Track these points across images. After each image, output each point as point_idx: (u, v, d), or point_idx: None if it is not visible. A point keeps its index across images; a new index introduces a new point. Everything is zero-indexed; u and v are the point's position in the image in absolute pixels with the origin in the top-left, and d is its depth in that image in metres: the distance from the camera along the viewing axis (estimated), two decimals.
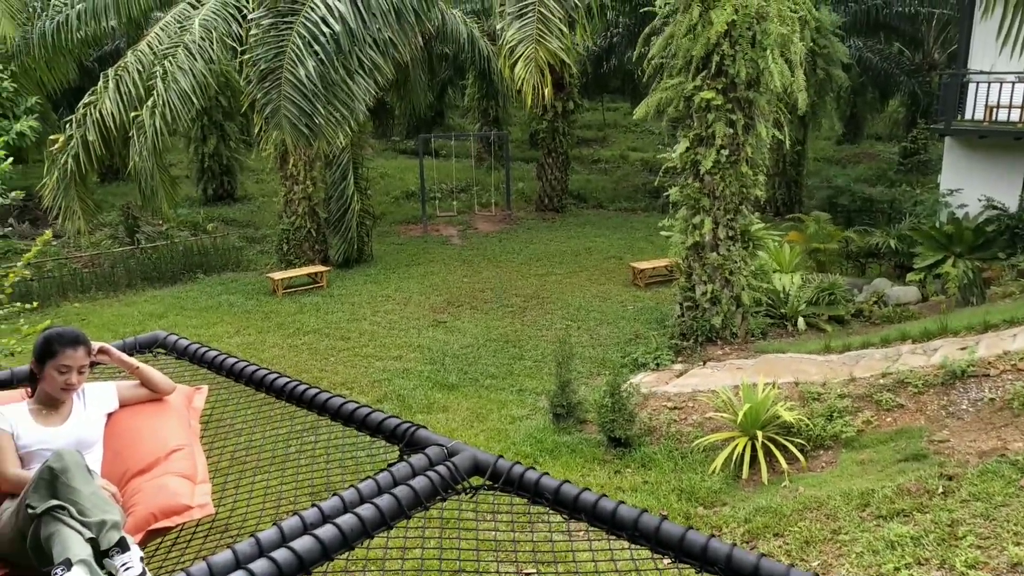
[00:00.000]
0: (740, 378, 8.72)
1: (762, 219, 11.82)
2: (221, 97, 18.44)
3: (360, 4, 9.89)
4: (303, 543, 2.18)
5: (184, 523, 2.61)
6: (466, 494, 2.65)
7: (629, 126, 30.33)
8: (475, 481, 2.71)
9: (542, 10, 10.22)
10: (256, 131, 14.40)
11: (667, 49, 10.40)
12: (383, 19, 10.09)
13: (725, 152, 9.95)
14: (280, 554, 2.12)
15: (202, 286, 14.74)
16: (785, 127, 10.83)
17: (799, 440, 7.78)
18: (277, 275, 14.24)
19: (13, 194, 6.03)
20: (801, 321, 11.14)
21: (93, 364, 2.90)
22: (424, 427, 2.90)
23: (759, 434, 7.73)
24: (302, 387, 3.22)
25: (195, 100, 12.52)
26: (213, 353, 3.57)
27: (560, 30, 10.23)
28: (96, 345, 2.92)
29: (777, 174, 18.33)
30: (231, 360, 3.48)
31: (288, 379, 3.29)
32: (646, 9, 11.19)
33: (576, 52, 14.77)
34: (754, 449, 7.65)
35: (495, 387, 9.80)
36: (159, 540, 2.69)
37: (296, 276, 14.43)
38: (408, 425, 2.91)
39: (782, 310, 11.42)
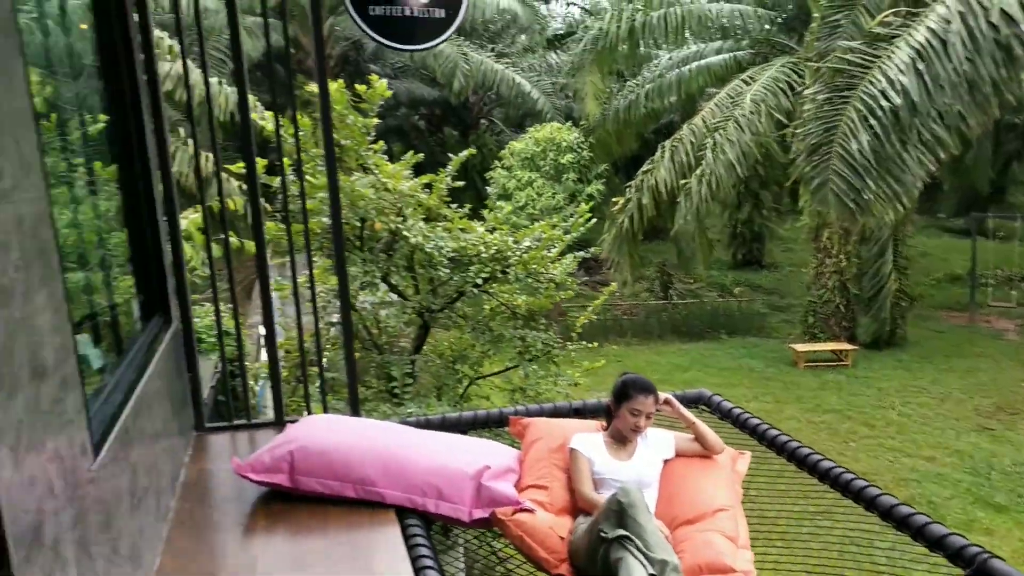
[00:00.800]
0: None
1: None
2: (759, 167, 18.97)
3: (927, 76, 9.23)
4: None
5: None
6: None
7: None
8: None
9: None
10: (799, 202, 14.42)
11: None
12: (952, 91, 9.26)
13: None
14: None
15: (724, 347, 15.18)
16: None
17: None
18: (800, 347, 14.03)
19: (593, 249, 7.04)
20: None
21: (657, 411, 3.16)
22: (1000, 557, 2.51)
23: None
24: (848, 475, 3.06)
25: (738, 169, 13.08)
26: (755, 421, 3.62)
27: None
28: (662, 396, 3.19)
29: None
30: (773, 432, 3.49)
31: (833, 464, 3.16)
32: None
33: None
34: None
35: None
36: None
37: (819, 350, 14.02)
38: (979, 550, 2.55)
39: None
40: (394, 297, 6.31)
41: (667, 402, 3.21)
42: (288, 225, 3.89)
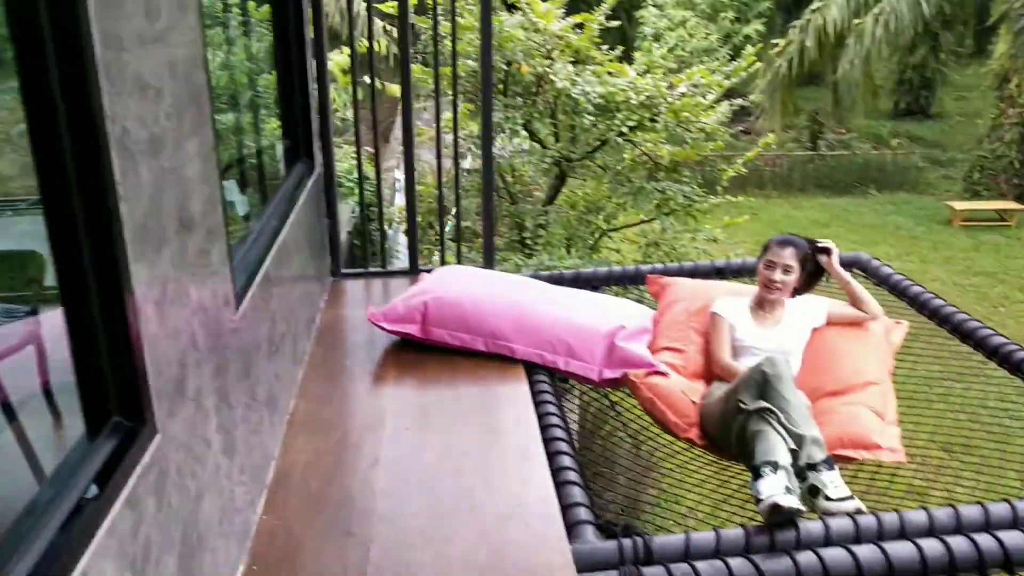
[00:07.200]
0: None
1: None
2: (946, 2, 16.43)
3: None
4: (1014, 539, 1.92)
5: (863, 460, 2.51)
6: None
7: None
8: None
9: None
10: (989, 44, 12.65)
11: None
12: None
13: None
14: (984, 541, 1.91)
15: (872, 202, 14.17)
16: None
17: None
18: (959, 205, 12.90)
19: (753, 97, 6.51)
20: None
21: (807, 270, 2.90)
22: None
23: None
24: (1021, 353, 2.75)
25: (923, 6, 11.79)
26: (918, 289, 3.35)
27: None
28: (826, 242, 2.97)
29: None
30: (938, 302, 3.22)
31: (1005, 341, 2.89)
32: None
33: None
34: None
35: None
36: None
37: (981, 209, 12.81)
38: None
39: None
40: (532, 145, 6.07)
41: (826, 250, 2.96)
42: (436, 68, 3.65)
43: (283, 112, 2.98)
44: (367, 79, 6.07)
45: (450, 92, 4.83)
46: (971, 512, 2.03)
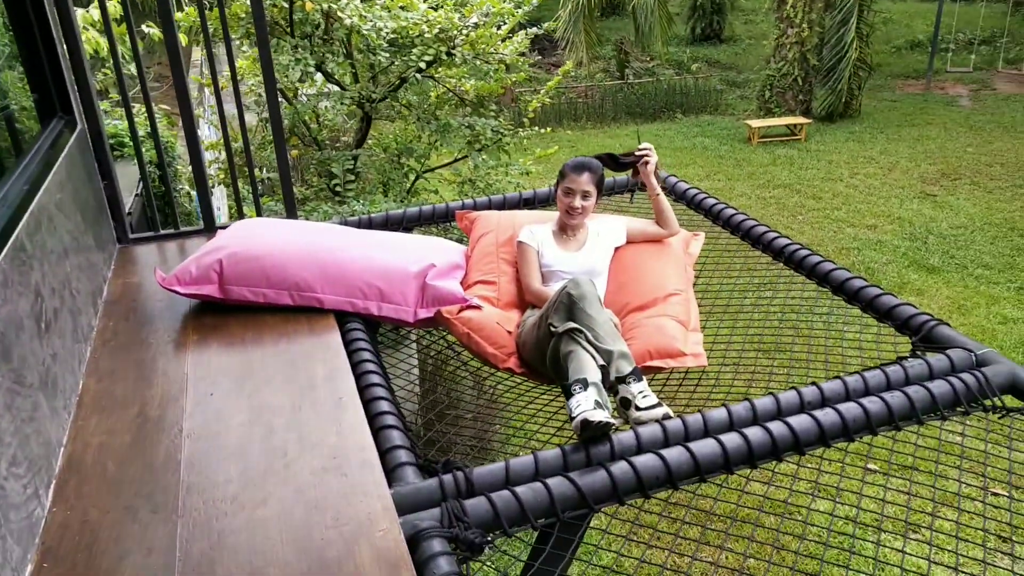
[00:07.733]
0: None
1: None
2: None
3: None
4: (801, 422, 2.07)
5: (672, 369, 2.63)
6: (994, 413, 2.23)
7: None
8: (1011, 402, 2.26)
9: None
10: None
11: None
12: None
13: None
14: (776, 427, 2.04)
15: (679, 126, 14.83)
16: None
17: None
18: (755, 123, 13.71)
19: (546, 26, 6.68)
20: None
21: (602, 191, 2.97)
22: (947, 323, 2.48)
23: None
24: (803, 252, 3.03)
25: None
26: (712, 201, 3.54)
27: None
28: (647, 145, 3.03)
29: None
30: (730, 211, 3.42)
31: (789, 241, 3.12)
32: None
33: None
34: None
35: (987, 279, 8.34)
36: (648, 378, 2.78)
37: (774, 126, 13.74)
38: (927, 318, 2.53)
39: None
40: (333, 88, 5.84)
41: (645, 158, 3.02)
42: (202, 9, 3.40)
43: (26, 65, 2.66)
44: (144, 28, 5.57)
45: (234, 35, 4.44)
46: (764, 403, 2.18)
